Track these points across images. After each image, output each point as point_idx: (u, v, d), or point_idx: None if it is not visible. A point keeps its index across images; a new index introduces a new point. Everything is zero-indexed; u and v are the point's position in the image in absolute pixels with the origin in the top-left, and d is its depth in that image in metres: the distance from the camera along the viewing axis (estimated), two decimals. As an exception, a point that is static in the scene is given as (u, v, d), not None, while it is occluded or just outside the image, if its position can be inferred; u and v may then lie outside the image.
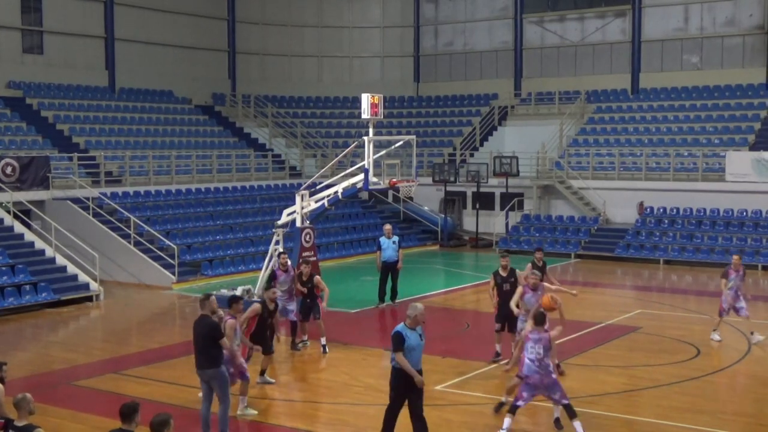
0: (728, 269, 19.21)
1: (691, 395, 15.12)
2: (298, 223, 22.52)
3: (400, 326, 11.86)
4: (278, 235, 22.90)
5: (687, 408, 14.33)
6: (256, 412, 14.09)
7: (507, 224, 36.69)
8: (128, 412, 8.70)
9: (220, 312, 12.71)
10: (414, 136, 23.72)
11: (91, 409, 14.48)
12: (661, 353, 17.99)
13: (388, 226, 24.13)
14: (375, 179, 21.95)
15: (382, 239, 23.62)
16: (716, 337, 19.06)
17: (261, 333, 15.44)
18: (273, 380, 15.94)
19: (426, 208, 38.48)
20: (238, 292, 22.94)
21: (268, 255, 22.98)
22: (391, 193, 37.10)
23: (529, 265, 18.18)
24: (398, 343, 11.69)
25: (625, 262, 32.25)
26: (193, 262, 28.62)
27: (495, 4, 45.05)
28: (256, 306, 15.51)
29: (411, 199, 36.17)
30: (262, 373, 15.84)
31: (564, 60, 43.39)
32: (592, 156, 37.09)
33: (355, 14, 46.95)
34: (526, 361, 12.71)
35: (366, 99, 21.53)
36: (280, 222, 23.26)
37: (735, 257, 19.58)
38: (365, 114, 21.60)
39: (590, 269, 31.13)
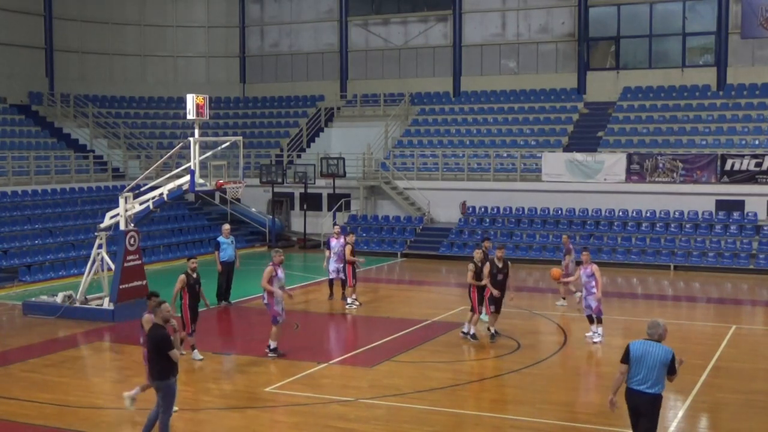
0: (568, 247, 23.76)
1: (512, 387, 15.78)
2: (122, 226, 21.99)
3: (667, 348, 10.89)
4: (101, 239, 22.31)
5: (509, 400, 14.95)
6: None
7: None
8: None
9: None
10: (241, 137, 23.61)
11: None
12: (484, 348, 18.66)
13: (227, 226, 24.67)
14: (201, 181, 21.68)
15: (221, 238, 23.91)
16: (560, 303, 23.34)
17: (193, 304, 17.48)
18: (201, 357, 17.50)
19: (253, 209, 38.31)
20: (59, 298, 22.21)
21: (91, 259, 22.35)
22: (218, 194, 36.77)
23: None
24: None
25: (449, 260, 33.17)
26: (9, 267, 27.41)
27: (320, 6, 45.34)
28: (182, 276, 17.47)
29: (238, 200, 35.91)
30: (193, 348, 17.58)
31: (388, 63, 44.17)
32: (416, 157, 37.96)
33: (179, 13, 46.13)
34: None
35: (191, 99, 21.24)
36: (103, 225, 22.63)
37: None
38: (191, 114, 21.32)
39: (416, 268, 31.85)
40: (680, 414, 14.17)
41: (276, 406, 14.60)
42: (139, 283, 22.15)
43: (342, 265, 23.88)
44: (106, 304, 21.84)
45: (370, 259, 33.21)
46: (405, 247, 34.71)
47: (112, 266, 22.24)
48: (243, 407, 14.60)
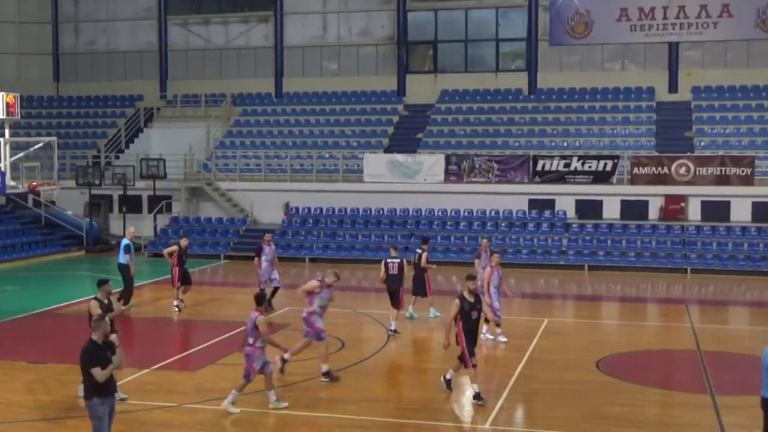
0: (479, 251, 22.22)
1: (338, 386, 15.98)
2: (-74, 232, 20.83)
3: None
4: None
5: (335, 399, 15.14)
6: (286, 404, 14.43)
7: (156, 227, 36.30)
8: None
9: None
10: (55, 138, 22.93)
11: None
12: (310, 348, 18.76)
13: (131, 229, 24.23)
14: (13, 183, 20.90)
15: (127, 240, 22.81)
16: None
17: None
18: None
19: (69, 212, 37.01)
20: None
21: None
22: (31, 197, 35.37)
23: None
24: None
25: (273, 261, 33.08)
26: None
27: (138, 4, 44.29)
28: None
29: (53, 203, 34.62)
30: None
31: (209, 63, 43.67)
32: (239, 158, 37.72)
33: (-14, 7, 43.98)
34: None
35: (1, 98, 20.44)
36: None
37: (484, 241, 22.75)
38: (0, 114, 20.48)
39: (239, 270, 31.66)
40: (498, 405, 14.77)
41: (97, 414, 14.18)
42: (-54, 291, 21.05)
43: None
44: None
45: (192, 261, 32.73)
46: (228, 249, 34.43)
47: None
48: (62, 418, 14.12)
